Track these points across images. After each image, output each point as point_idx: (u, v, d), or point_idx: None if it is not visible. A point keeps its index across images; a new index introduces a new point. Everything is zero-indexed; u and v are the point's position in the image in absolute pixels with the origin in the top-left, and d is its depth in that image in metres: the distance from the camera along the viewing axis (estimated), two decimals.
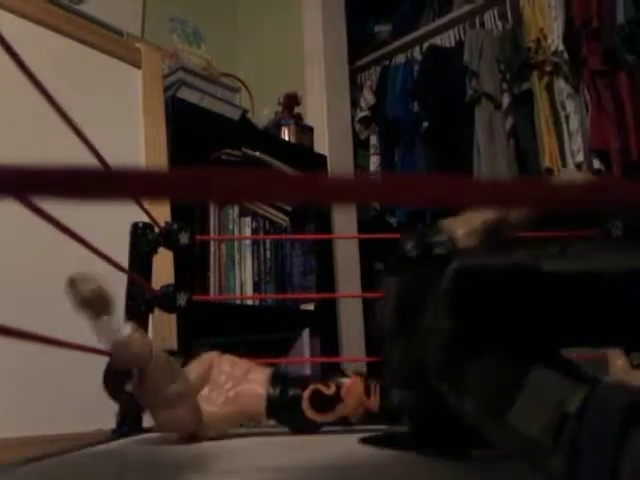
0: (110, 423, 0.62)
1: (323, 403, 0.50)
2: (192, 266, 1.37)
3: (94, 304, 0.39)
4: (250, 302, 1.54)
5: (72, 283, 0.38)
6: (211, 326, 1.32)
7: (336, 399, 0.50)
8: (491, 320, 0.23)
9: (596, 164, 1.82)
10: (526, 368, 0.20)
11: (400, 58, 2.49)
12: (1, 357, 0.91)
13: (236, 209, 1.54)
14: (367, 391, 0.51)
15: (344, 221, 1.80)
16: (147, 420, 0.49)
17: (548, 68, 1.91)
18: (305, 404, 0.50)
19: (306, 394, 0.50)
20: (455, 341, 0.24)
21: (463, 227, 0.35)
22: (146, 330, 0.62)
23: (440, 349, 0.25)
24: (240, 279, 1.51)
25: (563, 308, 0.23)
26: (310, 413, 0.50)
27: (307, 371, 1.41)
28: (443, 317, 0.25)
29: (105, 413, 0.64)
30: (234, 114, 1.60)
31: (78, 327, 0.41)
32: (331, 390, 0.50)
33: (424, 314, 0.28)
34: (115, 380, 0.54)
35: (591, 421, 0.16)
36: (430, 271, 0.31)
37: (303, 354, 1.55)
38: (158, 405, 0.45)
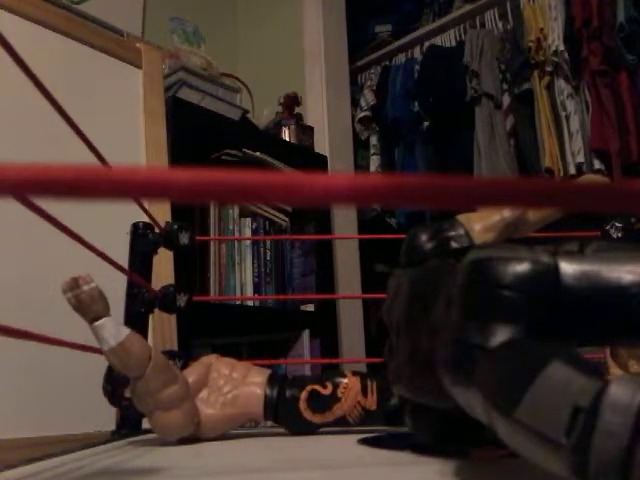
0: (110, 425, 0.62)
1: (320, 403, 0.50)
2: (192, 266, 1.37)
3: (90, 307, 0.39)
4: (250, 303, 1.54)
5: (68, 286, 0.38)
6: (211, 327, 1.32)
7: (333, 398, 0.50)
8: (504, 315, 0.23)
9: (596, 164, 1.82)
10: (538, 364, 0.19)
11: (400, 58, 2.49)
12: (1, 357, 0.90)
13: (236, 209, 1.54)
14: (364, 390, 0.50)
15: (344, 222, 1.79)
16: (147, 421, 0.49)
17: (548, 68, 1.91)
18: (302, 405, 0.50)
19: (303, 395, 0.50)
20: (466, 335, 0.24)
21: (480, 222, 0.35)
22: (146, 331, 0.62)
23: (450, 343, 0.24)
24: (240, 280, 1.51)
25: (578, 306, 0.23)
26: (307, 414, 0.50)
27: (307, 372, 1.41)
28: (455, 311, 0.25)
29: (105, 414, 0.64)
30: (235, 114, 1.60)
31: (78, 327, 0.41)
32: (328, 390, 0.50)
33: (436, 308, 0.28)
34: (115, 386, 0.54)
35: (604, 416, 0.16)
36: (444, 265, 0.31)
37: (303, 355, 1.55)
38: (156, 408, 0.45)
